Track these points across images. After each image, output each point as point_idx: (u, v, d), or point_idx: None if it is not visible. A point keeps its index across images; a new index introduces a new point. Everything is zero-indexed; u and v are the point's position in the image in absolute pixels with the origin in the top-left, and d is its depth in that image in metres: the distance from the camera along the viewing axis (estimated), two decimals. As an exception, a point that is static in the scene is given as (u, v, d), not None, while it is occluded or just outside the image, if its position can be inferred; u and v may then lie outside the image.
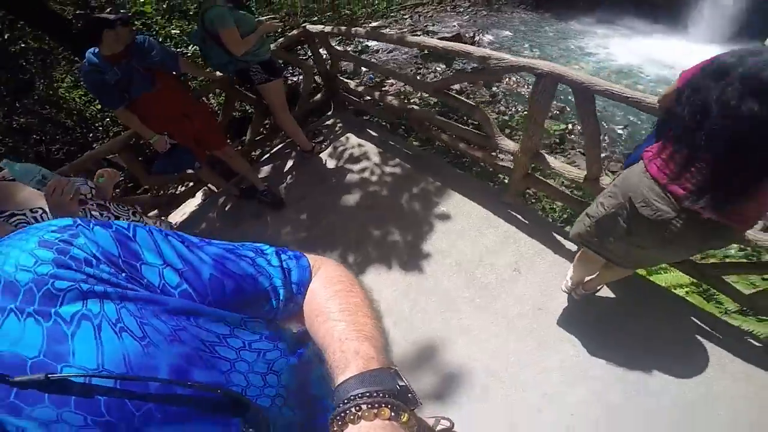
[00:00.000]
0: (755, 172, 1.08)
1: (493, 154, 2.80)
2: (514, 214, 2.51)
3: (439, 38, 12.88)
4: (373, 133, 3.51)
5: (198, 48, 2.88)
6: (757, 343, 1.83)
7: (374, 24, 12.69)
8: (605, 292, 2.06)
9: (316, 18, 6.03)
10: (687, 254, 1.48)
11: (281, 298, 0.59)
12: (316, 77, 3.96)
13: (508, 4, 15.43)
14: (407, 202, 2.81)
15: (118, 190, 3.95)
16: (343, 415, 0.42)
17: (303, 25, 3.45)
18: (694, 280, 2.19)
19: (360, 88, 3.52)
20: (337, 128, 3.67)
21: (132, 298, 0.44)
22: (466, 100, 2.50)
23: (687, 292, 2.23)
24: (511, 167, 2.40)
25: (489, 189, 2.86)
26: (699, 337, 1.85)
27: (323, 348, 0.53)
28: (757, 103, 0.99)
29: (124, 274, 0.45)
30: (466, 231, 2.49)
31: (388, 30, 11.80)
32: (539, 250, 2.30)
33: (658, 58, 12.41)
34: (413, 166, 3.07)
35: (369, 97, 3.48)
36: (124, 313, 0.42)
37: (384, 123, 4.22)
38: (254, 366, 0.52)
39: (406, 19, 15.24)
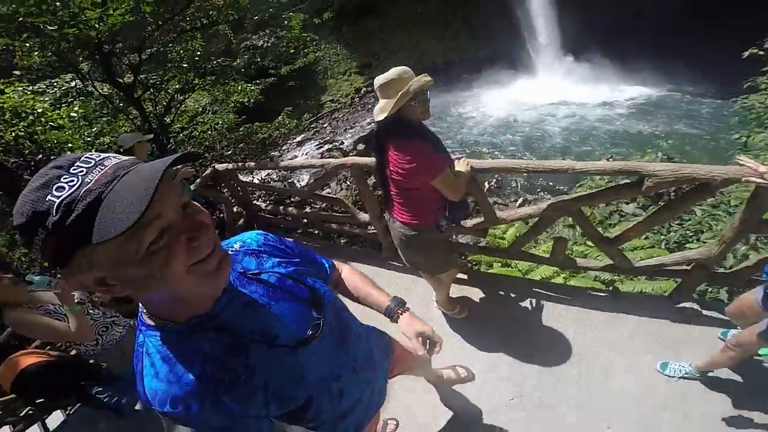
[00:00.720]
0: None
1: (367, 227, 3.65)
2: (395, 263, 3.24)
3: (356, 139, 14.63)
4: (287, 239, 4.32)
5: None
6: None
7: (298, 138, 14.54)
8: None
9: (230, 150, 7.20)
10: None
11: (327, 270, 1.16)
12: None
13: None
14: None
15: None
16: (399, 312, 1.14)
17: (212, 165, 4.26)
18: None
19: (269, 207, 4.39)
20: None
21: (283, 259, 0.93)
22: (328, 195, 3.45)
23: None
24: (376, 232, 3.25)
25: (373, 252, 3.61)
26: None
27: (366, 296, 1.19)
28: None
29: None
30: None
31: (311, 141, 13.70)
32: (411, 282, 3.00)
33: (522, 101, 15.28)
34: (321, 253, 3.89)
35: (280, 214, 4.32)
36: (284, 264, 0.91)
37: (299, 229, 5.10)
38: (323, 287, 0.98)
39: (326, 127, 17.60)
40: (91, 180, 0.51)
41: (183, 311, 0.69)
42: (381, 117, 1.71)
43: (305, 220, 4.13)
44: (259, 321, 0.77)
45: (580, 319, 2.43)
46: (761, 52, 5.56)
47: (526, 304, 2.62)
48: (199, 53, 6.68)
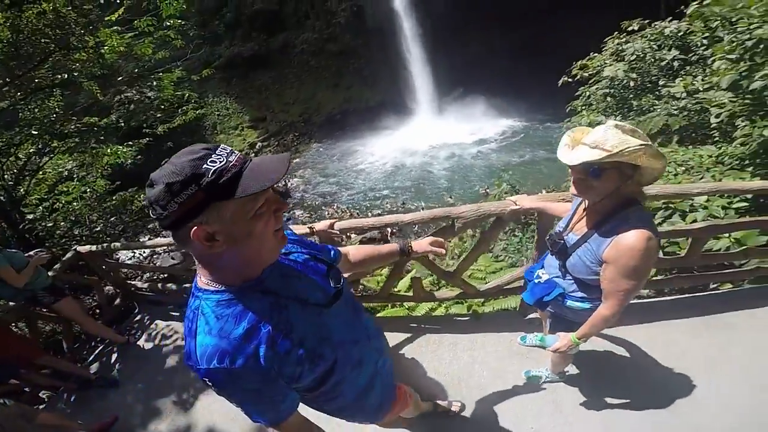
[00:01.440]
0: None
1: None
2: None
3: None
4: (174, 313, 4.01)
5: None
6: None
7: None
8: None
9: (99, 226, 6.44)
10: None
11: (333, 254, 1.28)
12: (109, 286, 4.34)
13: (300, 144, 18.85)
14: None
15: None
16: (408, 244, 1.53)
17: (74, 248, 3.86)
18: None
19: (146, 285, 4.07)
20: (145, 320, 4.07)
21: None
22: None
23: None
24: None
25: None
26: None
27: (377, 253, 1.47)
28: None
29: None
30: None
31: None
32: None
33: (408, 146, 16.72)
34: None
35: (159, 291, 4.07)
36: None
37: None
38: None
39: None
40: (233, 160, 0.77)
41: (242, 275, 0.87)
42: None
43: (185, 295, 3.92)
44: (294, 287, 0.96)
45: (454, 344, 2.70)
46: (570, 80, 7.02)
47: (407, 339, 2.82)
48: (57, 112, 5.91)
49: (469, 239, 4.83)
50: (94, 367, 3.65)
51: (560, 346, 1.55)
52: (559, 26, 15.89)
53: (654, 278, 2.69)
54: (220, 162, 0.75)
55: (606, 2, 13.35)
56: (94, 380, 3.35)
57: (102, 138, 6.36)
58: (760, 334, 2.35)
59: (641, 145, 1.18)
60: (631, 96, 5.85)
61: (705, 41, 4.65)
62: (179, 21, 6.02)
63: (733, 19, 3.46)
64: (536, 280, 1.66)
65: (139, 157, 7.26)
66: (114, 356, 3.72)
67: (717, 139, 4.12)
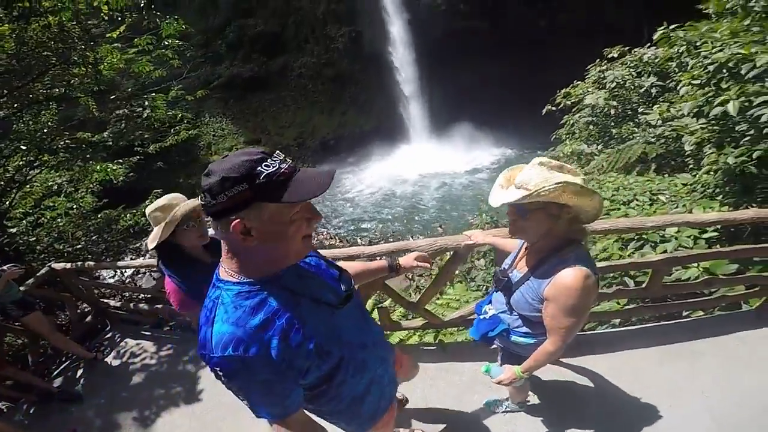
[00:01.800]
0: None
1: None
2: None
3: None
4: (145, 332, 3.97)
5: None
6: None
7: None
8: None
9: (81, 243, 6.37)
10: None
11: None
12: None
13: (298, 162, 19.03)
14: (183, 368, 3.37)
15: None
16: (396, 260, 1.58)
17: (48, 264, 3.87)
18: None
19: (119, 303, 4.04)
20: (116, 337, 4.02)
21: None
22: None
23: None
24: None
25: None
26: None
27: (366, 269, 1.53)
28: None
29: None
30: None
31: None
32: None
33: (399, 174, 16.69)
34: (179, 344, 3.66)
35: (131, 311, 4.06)
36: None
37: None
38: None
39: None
40: (284, 168, 0.85)
41: (264, 270, 0.93)
42: (152, 246, 1.74)
43: (160, 316, 3.91)
44: (308, 286, 1.03)
45: (421, 372, 2.60)
46: (554, 108, 7.12)
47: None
48: (49, 126, 5.91)
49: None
50: (58, 381, 3.62)
51: (504, 379, 1.55)
52: (549, 55, 16.41)
53: (625, 308, 2.68)
54: (273, 167, 0.84)
55: (593, 30, 13.79)
56: (57, 393, 3.35)
57: (89, 156, 6.39)
58: (724, 361, 2.32)
59: (558, 183, 1.17)
60: (612, 124, 5.96)
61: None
62: (177, 41, 6.14)
63: (698, 44, 3.40)
64: (482, 316, 1.67)
65: (132, 174, 7.29)
66: (80, 372, 3.68)
67: (692, 166, 4.18)
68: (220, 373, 0.87)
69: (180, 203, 1.76)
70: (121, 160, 6.97)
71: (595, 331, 2.80)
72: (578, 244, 1.34)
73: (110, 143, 6.62)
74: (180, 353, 3.55)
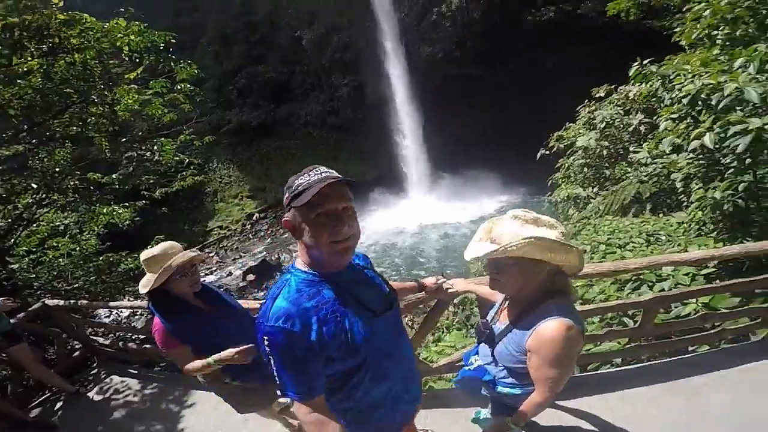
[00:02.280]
0: None
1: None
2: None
3: (247, 268, 13.52)
4: (132, 371, 3.90)
5: None
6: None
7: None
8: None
9: (78, 283, 6.35)
10: None
11: None
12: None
13: None
14: (166, 407, 3.31)
15: None
16: (423, 282, 1.81)
17: (42, 300, 3.90)
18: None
19: (108, 342, 4.03)
20: (102, 374, 4.00)
21: None
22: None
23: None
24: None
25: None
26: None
27: (402, 287, 1.75)
28: None
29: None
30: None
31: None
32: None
33: (401, 225, 16.32)
34: (165, 384, 3.59)
35: (120, 349, 4.01)
36: None
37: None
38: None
39: (212, 256, 16.31)
40: (312, 179, 1.08)
41: (318, 267, 1.14)
42: (143, 291, 1.80)
43: (146, 357, 3.86)
44: (359, 290, 1.19)
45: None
46: (547, 152, 7.10)
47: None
48: (62, 164, 5.99)
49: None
50: (36, 412, 3.62)
51: (494, 429, 1.51)
52: (547, 98, 16.68)
53: (626, 347, 2.60)
54: (304, 179, 1.09)
55: (586, 69, 13.99)
56: (32, 422, 3.38)
57: (95, 199, 6.44)
58: (731, 395, 2.20)
59: (526, 239, 1.19)
60: (606, 165, 6.03)
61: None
62: (189, 86, 6.49)
63: (671, 77, 3.33)
64: (468, 367, 1.63)
65: (138, 218, 7.40)
66: (59, 404, 3.68)
67: (686, 203, 4.16)
68: (266, 341, 1.04)
69: (177, 253, 1.81)
70: (127, 204, 7.13)
71: (597, 372, 2.69)
72: (562, 295, 1.33)
73: (116, 185, 6.76)
74: (165, 392, 3.48)
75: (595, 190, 5.95)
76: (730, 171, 2.82)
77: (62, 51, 4.81)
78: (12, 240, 6.16)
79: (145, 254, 1.81)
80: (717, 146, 2.66)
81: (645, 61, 3.92)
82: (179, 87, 6.35)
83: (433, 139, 19.41)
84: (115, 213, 6.82)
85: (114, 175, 6.60)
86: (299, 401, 1.07)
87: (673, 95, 3.13)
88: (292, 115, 22.44)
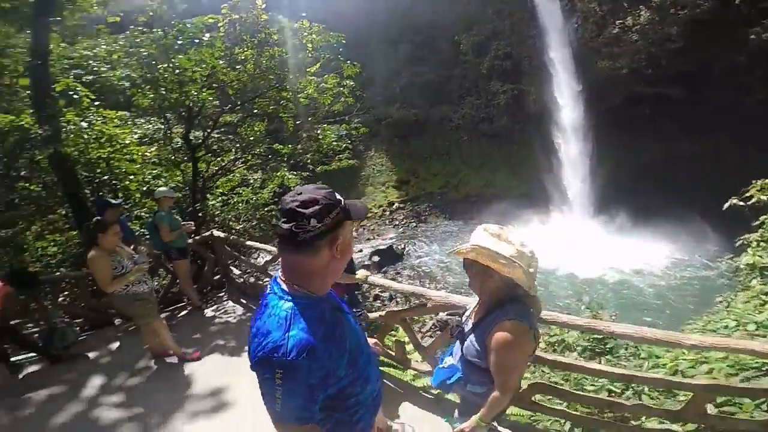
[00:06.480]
0: None
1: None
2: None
3: (375, 250, 14.82)
4: (243, 300, 4.89)
5: (147, 232, 4.69)
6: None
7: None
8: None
9: (241, 225, 8.03)
10: None
11: None
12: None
13: (431, 215, 19.49)
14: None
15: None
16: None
17: (211, 231, 5.22)
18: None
19: (239, 272, 5.15)
20: (224, 298, 5.12)
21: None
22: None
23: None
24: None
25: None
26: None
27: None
28: None
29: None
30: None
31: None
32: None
33: (546, 253, 14.25)
34: None
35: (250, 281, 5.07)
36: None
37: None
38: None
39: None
40: (337, 197, 1.08)
41: (317, 287, 1.09)
42: None
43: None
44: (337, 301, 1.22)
45: (419, 418, 2.66)
46: (741, 203, 5.29)
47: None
48: (257, 134, 7.99)
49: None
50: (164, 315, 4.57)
51: (464, 427, 1.61)
52: (757, 136, 12.79)
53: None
54: (339, 199, 1.07)
55: None
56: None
57: (274, 164, 8.30)
58: None
59: (471, 246, 1.44)
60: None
61: None
62: (351, 83, 7.67)
63: None
64: (441, 365, 1.76)
65: (299, 183, 9.03)
66: (183, 312, 4.81)
67: None
68: (280, 375, 0.95)
69: None
70: (295, 172, 8.82)
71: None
72: (521, 302, 1.49)
73: (288, 157, 8.50)
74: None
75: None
76: None
77: (267, 44, 6.34)
78: (215, 182, 8.33)
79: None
80: None
81: None
82: (344, 83, 7.52)
83: (600, 165, 16.88)
84: (285, 177, 8.44)
85: (290, 146, 8.32)
86: (297, 425, 1.02)
87: None
88: (446, 117, 22.66)
